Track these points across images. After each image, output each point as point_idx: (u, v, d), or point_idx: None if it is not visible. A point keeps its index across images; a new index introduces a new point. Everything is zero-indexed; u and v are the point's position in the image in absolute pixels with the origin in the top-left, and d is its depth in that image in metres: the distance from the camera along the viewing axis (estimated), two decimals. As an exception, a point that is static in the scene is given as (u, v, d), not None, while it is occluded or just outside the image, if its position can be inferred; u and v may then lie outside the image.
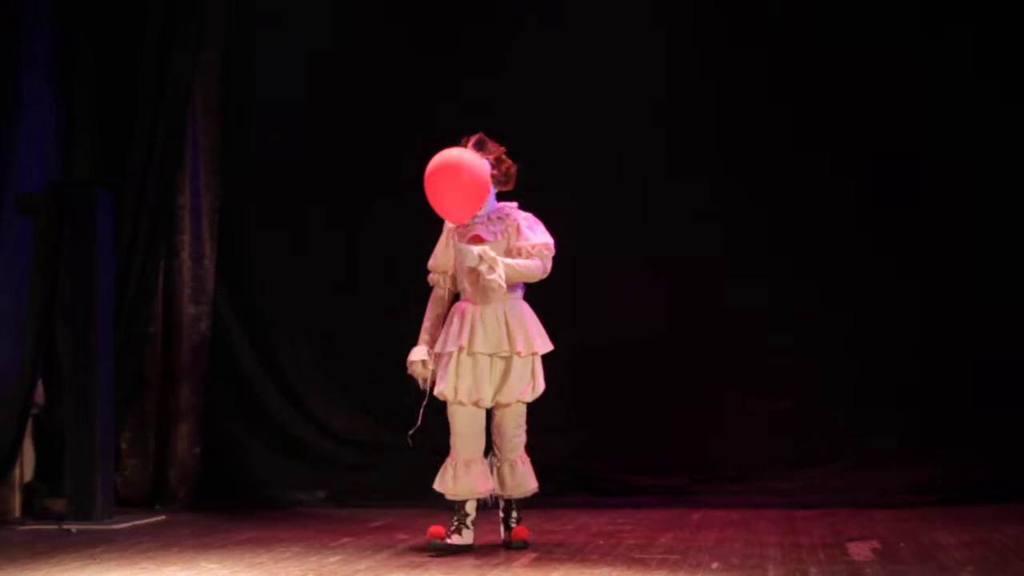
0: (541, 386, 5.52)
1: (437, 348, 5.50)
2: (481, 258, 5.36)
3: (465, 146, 5.42)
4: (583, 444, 7.24)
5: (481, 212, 5.45)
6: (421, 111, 7.35)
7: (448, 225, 5.56)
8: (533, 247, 5.44)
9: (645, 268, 7.52)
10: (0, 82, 6.99)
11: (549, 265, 5.50)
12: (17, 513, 7.10)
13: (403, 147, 6.75)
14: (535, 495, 5.76)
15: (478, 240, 5.42)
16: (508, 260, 5.41)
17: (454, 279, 5.60)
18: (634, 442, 7.49)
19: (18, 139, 7.05)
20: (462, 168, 5.33)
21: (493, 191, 5.49)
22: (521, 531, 5.65)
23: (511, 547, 5.59)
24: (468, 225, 5.49)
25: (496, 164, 5.47)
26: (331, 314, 7.84)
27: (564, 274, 5.70)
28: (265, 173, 7.84)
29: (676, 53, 7.49)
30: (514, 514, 5.62)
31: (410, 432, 5.52)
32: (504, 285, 5.38)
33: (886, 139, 7.44)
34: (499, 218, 5.50)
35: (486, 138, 5.48)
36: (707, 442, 7.45)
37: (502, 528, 5.70)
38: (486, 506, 5.74)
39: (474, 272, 5.41)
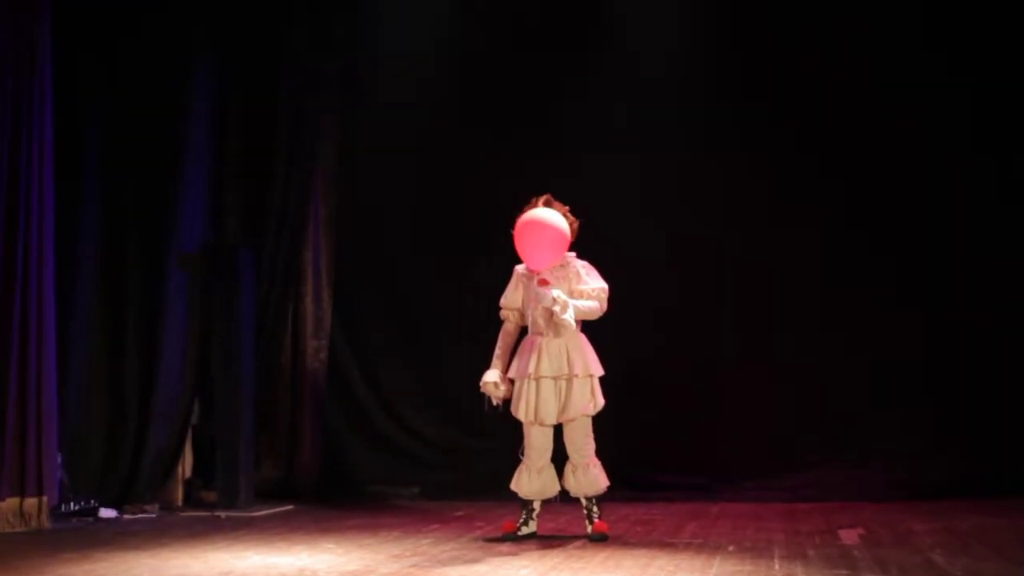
0: (601, 402, 5.40)
1: (511, 373, 5.41)
2: (556, 300, 5.28)
3: (535, 205, 5.32)
4: (625, 450, 7.02)
5: None
6: (499, 181, 7.11)
7: (518, 270, 5.48)
8: (593, 291, 5.39)
9: (673, 307, 7.40)
10: (170, 164, 7.07)
11: (606, 305, 5.42)
12: (179, 502, 7.08)
13: (485, 210, 6.62)
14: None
15: (545, 284, 5.34)
16: (575, 302, 5.31)
17: (521, 315, 5.49)
18: (666, 448, 7.41)
19: (181, 208, 7.10)
20: (551, 226, 5.27)
21: None
22: (601, 525, 5.44)
23: (592, 539, 5.37)
24: (536, 271, 5.38)
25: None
26: (425, 347, 7.76)
27: (610, 313, 5.57)
28: (372, 232, 7.76)
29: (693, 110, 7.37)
30: (595, 509, 5.42)
31: (487, 410, 5.38)
32: (574, 324, 5.31)
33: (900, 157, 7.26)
34: (561, 265, 5.41)
35: (553, 199, 5.41)
36: (725, 448, 7.33)
37: (586, 522, 5.48)
38: (550, 502, 5.59)
39: (548, 311, 5.32)
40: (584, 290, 5.34)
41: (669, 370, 7.39)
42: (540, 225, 5.24)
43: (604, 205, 6.93)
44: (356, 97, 7.65)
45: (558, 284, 5.34)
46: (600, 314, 5.37)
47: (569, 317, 5.20)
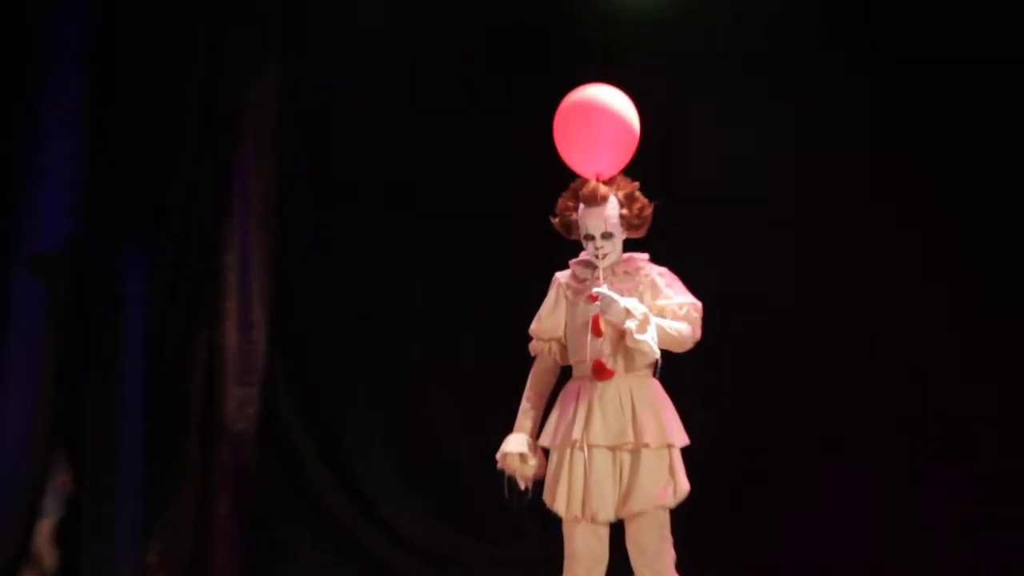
0: (685, 486, 4.44)
1: (543, 440, 4.51)
2: (629, 313, 4.34)
3: (588, 189, 4.57)
4: (718, 554, 5.78)
5: (604, 264, 4.45)
6: (503, 161, 6.26)
7: (559, 279, 4.57)
8: (681, 307, 4.50)
9: (780, 347, 6.12)
10: (15, 126, 6.04)
11: (699, 332, 4.51)
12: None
13: (497, 198, 6.01)
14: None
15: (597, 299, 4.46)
16: (660, 321, 4.47)
17: (563, 347, 4.55)
18: (775, 550, 6.10)
19: (35, 190, 6.10)
20: (616, 113, 4.48)
21: (622, 218, 4.48)
22: None
23: None
24: (586, 280, 4.51)
25: (627, 202, 4.52)
26: (409, 396, 6.50)
27: (694, 350, 4.53)
28: (332, 227, 6.51)
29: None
30: None
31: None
32: (657, 350, 4.38)
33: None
34: (627, 272, 4.51)
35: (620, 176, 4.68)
36: (852, 544, 6.13)
37: None
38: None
39: (617, 330, 4.40)
40: (668, 306, 4.51)
41: (777, 436, 6.14)
42: (600, 109, 4.51)
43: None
44: (305, 34, 6.54)
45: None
46: (691, 344, 4.55)
47: (650, 340, 4.35)
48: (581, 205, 4.28)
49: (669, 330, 4.32)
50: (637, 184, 4.41)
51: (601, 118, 4.43)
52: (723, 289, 5.44)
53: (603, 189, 4.39)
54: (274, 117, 6.35)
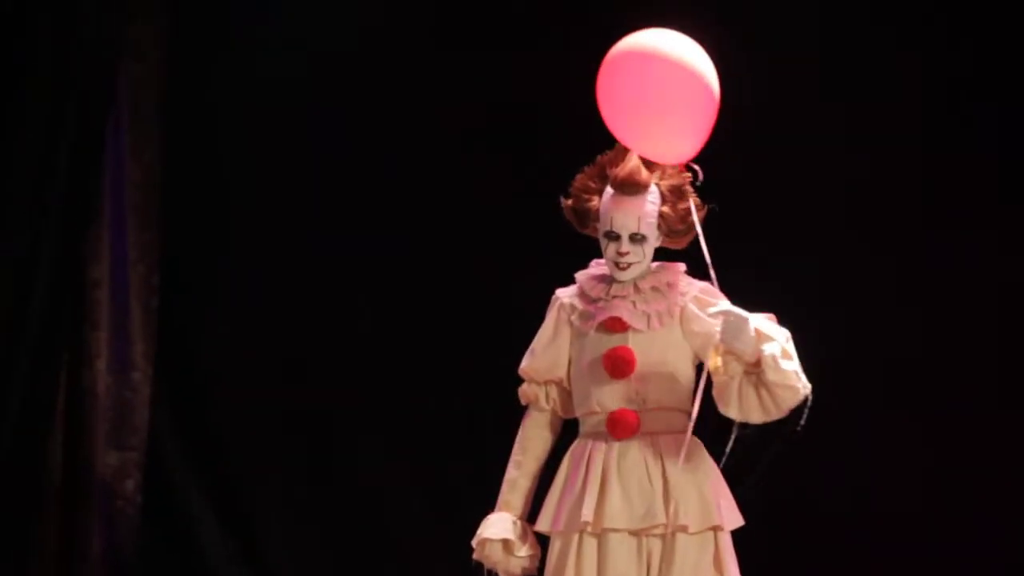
0: None
1: (540, 523, 3.76)
2: (762, 336, 3.49)
3: (625, 163, 3.85)
4: None
5: (627, 277, 3.69)
6: (452, 139, 5.21)
7: (560, 298, 3.81)
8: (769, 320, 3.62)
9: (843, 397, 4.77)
10: None
11: None
12: None
13: (468, 179, 5.09)
14: None
15: (620, 326, 3.64)
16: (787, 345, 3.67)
17: (565, 393, 3.84)
18: None
19: None
20: (696, 71, 3.69)
21: (661, 218, 3.76)
22: None
23: None
24: (599, 299, 3.72)
25: (672, 198, 3.75)
26: (345, 459, 5.30)
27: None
28: (235, 227, 5.32)
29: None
30: None
31: None
32: (807, 384, 3.56)
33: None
34: (656, 289, 3.71)
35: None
36: None
37: None
38: None
39: (739, 361, 3.55)
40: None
41: (869, 506, 4.90)
42: (681, 68, 3.61)
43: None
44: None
45: (654, 329, 3.73)
46: None
47: (797, 369, 3.52)
48: (609, 190, 3.60)
49: (795, 360, 3.50)
50: (689, 177, 3.65)
51: (685, 80, 3.66)
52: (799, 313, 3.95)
53: (644, 173, 3.65)
54: (161, 74, 5.12)
